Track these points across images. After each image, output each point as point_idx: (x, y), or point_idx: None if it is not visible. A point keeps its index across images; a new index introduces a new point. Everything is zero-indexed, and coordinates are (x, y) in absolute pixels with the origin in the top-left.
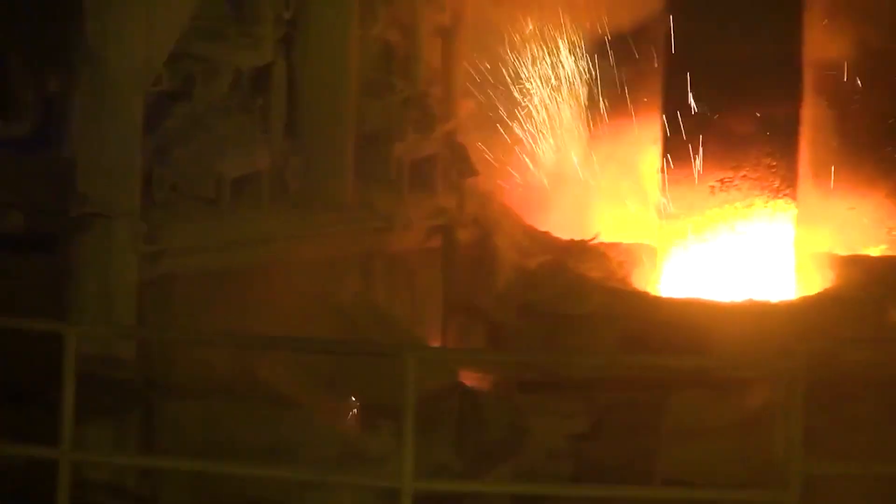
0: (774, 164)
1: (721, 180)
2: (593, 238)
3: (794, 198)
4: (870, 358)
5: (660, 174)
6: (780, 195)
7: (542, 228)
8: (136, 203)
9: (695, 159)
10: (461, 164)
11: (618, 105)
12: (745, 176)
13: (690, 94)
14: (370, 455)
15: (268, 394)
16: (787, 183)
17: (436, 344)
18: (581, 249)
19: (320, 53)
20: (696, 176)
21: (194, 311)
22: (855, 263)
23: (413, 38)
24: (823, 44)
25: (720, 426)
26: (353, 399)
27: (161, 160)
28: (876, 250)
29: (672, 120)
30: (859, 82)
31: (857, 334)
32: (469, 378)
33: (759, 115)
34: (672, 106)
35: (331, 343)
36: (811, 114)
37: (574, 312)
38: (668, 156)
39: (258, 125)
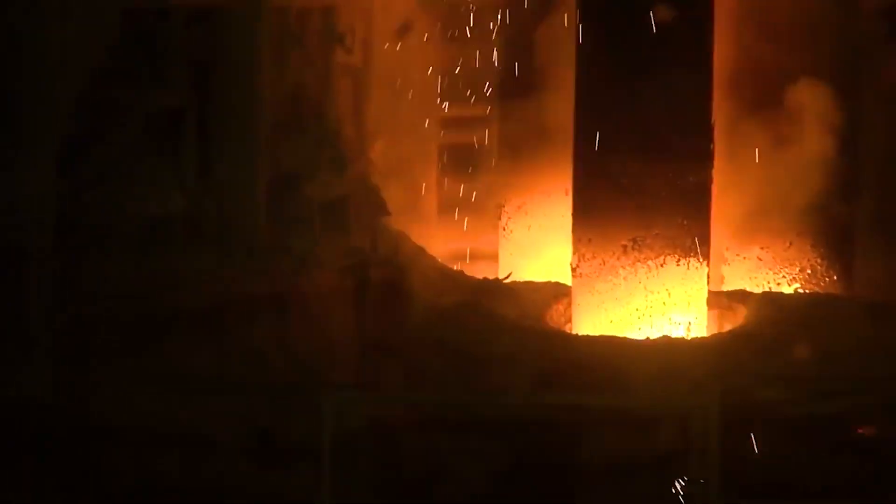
0: (686, 222)
1: (633, 238)
2: (506, 277)
3: (706, 255)
4: (781, 395)
5: (572, 232)
6: (692, 253)
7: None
8: (50, 246)
9: (607, 217)
10: (374, 203)
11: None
12: (657, 234)
13: (601, 154)
14: (289, 496)
15: (191, 436)
16: (701, 240)
17: (351, 384)
18: (494, 288)
19: (232, 95)
20: (607, 234)
21: (111, 352)
22: (767, 301)
23: (324, 80)
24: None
25: (637, 464)
26: (271, 440)
27: (75, 203)
28: (788, 288)
29: (583, 179)
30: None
31: (769, 371)
32: (385, 418)
33: (671, 174)
34: (583, 165)
35: (247, 384)
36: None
37: (488, 352)
38: (580, 213)
39: (171, 167)
